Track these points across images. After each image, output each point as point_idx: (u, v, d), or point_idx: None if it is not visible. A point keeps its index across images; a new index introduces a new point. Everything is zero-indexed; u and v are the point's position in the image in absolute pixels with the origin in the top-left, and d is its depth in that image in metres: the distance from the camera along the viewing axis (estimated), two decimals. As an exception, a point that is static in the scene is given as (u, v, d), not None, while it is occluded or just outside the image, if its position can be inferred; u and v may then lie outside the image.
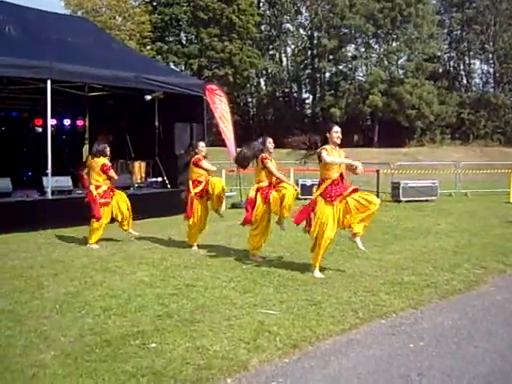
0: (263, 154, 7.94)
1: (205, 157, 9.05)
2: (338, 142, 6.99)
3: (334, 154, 6.89)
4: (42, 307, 5.71)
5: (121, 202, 9.53)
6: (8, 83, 13.35)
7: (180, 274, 7.22)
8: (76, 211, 11.41)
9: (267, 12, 54.89)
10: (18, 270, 7.44)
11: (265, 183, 7.95)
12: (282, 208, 7.74)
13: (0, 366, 4.24)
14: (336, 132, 6.96)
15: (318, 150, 6.92)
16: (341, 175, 7.00)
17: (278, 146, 14.00)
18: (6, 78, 12.53)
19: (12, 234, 10.09)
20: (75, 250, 8.93)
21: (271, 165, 7.92)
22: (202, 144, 9.19)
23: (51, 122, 11.99)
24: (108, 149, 9.51)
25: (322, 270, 7.23)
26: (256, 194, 7.93)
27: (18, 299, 5.99)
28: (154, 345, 4.66)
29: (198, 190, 8.87)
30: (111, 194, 9.42)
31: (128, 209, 9.58)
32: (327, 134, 6.98)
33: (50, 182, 11.32)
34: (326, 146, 6.91)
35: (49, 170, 11.21)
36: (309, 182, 16.28)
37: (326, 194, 6.93)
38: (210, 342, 4.71)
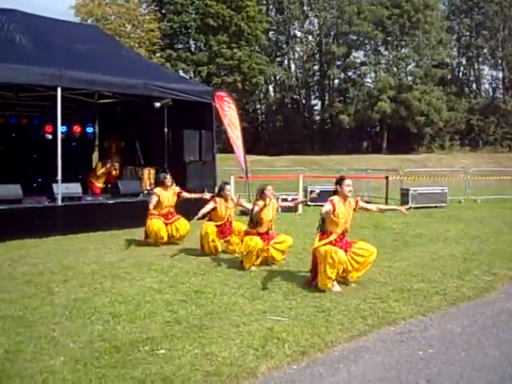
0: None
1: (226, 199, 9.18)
2: (349, 195, 6.87)
3: (340, 207, 6.75)
4: (52, 313, 5.75)
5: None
6: (19, 91, 13.47)
7: (189, 280, 7.24)
8: (85, 217, 11.52)
9: (275, 19, 55.00)
10: (28, 275, 7.48)
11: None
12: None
13: (10, 371, 4.27)
14: (347, 185, 6.84)
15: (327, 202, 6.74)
16: (343, 232, 6.88)
17: (286, 152, 14.12)
18: (17, 86, 12.64)
19: (22, 240, 10.15)
20: (85, 256, 8.96)
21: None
22: (228, 187, 9.27)
23: (61, 128, 12.07)
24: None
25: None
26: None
27: (28, 305, 6.03)
28: (163, 351, 4.67)
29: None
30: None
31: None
32: (338, 188, 6.86)
33: (60, 189, 11.38)
34: (334, 198, 6.79)
35: (59, 177, 11.28)
36: (317, 189, 16.21)
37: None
38: (219, 348, 4.72)
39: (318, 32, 55.40)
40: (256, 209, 7.81)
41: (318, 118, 57.40)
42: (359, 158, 32.55)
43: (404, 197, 17.02)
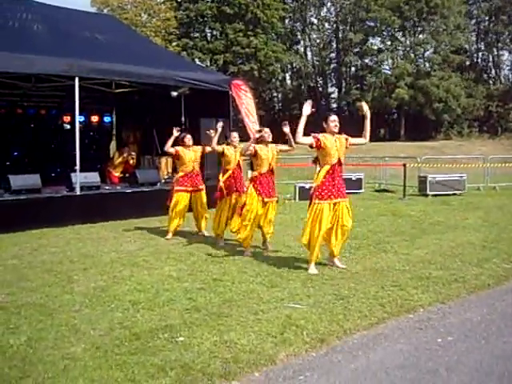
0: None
1: (234, 146, 9.04)
2: (336, 130, 6.99)
3: (328, 139, 6.90)
4: (72, 301, 5.81)
5: None
6: (37, 81, 13.56)
7: (207, 268, 7.27)
8: (104, 207, 11.60)
9: (292, 6, 54.59)
10: (48, 264, 7.57)
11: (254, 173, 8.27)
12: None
13: (33, 357, 4.33)
14: (332, 121, 7.00)
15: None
16: (339, 162, 7.02)
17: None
18: (35, 76, 12.72)
19: (42, 230, 10.27)
20: (104, 244, 9.04)
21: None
22: (234, 134, 9.19)
23: (79, 118, 12.14)
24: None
25: (349, 264, 7.26)
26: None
27: (48, 293, 6.10)
28: (182, 338, 4.70)
29: (224, 178, 8.95)
30: None
31: None
32: (324, 124, 7.04)
33: (79, 178, 11.47)
34: (320, 134, 6.96)
35: (77, 167, 11.36)
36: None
37: (319, 191, 6.97)
38: (238, 335, 4.75)
39: (335, 19, 54.92)
40: (251, 148, 8.10)
41: (334, 105, 57.05)
42: (376, 145, 32.27)
43: (422, 184, 16.92)
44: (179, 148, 9.73)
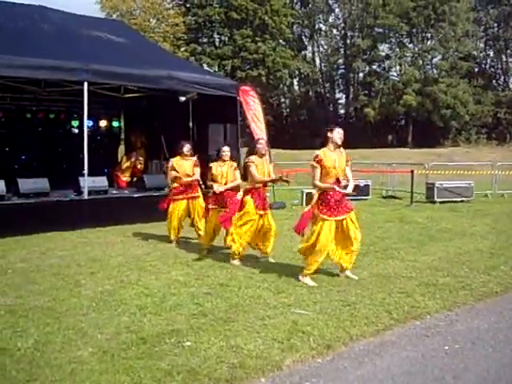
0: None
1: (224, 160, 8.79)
2: (339, 142, 6.85)
3: (328, 159, 6.75)
4: (79, 305, 5.84)
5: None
6: (46, 85, 13.64)
7: (214, 273, 7.28)
8: (111, 211, 11.64)
9: (300, 12, 54.69)
10: (56, 268, 7.61)
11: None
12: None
13: (40, 360, 4.35)
14: (338, 132, 6.85)
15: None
16: (337, 180, 6.84)
17: (311, 146, 14.14)
18: (44, 81, 12.79)
19: (50, 233, 10.32)
20: (111, 249, 9.07)
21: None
22: (225, 149, 8.88)
23: (87, 123, 12.20)
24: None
25: (356, 270, 7.23)
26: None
27: (56, 297, 6.13)
28: (188, 343, 4.71)
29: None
30: None
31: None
32: (329, 134, 6.86)
33: (87, 182, 11.52)
34: (321, 150, 6.81)
35: (85, 171, 11.41)
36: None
37: (322, 206, 6.83)
38: (244, 341, 4.75)
39: (343, 25, 54.95)
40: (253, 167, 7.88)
41: (342, 111, 57.07)
42: (384, 151, 32.27)
43: (429, 191, 16.87)
44: (174, 160, 9.61)
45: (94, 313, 5.58)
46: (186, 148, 9.66)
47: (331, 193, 6.77)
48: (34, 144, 15.69)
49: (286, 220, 11.90)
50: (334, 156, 6.81)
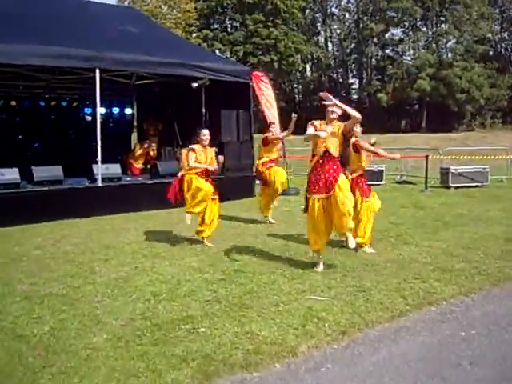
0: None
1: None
2: (333, 116, 6.86)
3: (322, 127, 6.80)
4: (94, 291, 5.86)
5: None
6: (58, 73, 13.65)
7: (228, 259, 7.28)
8: (125, 198, 11.66)
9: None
10: (70, 255, 7.64)
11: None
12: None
13: (56, 346, 4.38)
14: (331, 112, 6.86)
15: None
16: (326, 152, 6.73)
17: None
18: (56, 68, 12.79)
19: (64, 221, 10.36)
20: (125, 235, 9.08)
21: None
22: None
23: (100, 110, 12.19)
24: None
25: (370, 256, 7.19)
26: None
27: (70, 284, 6.16)
28: (203, 329, 4.72)
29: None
30: None
31: None
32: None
33: (100, 170, 11.55)
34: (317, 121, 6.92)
35: (99, 158, 11.43)
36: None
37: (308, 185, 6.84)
38: (259, 327, 4.75)
39: (356, 9, 54.46)
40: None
41: (355, 96, 56.71)
42: (398, 136, 32.07)
43: (444, 176, 16.71)
44: (195, 147, 8.53)
45: (109, 299, 5.60)
46: (203, 134, 8.60)
47: (314, 171, 6.76)
48: (47, 132, 15.76)
49: (300, 206, 11.83)
50: (327, 127, 6.80)
